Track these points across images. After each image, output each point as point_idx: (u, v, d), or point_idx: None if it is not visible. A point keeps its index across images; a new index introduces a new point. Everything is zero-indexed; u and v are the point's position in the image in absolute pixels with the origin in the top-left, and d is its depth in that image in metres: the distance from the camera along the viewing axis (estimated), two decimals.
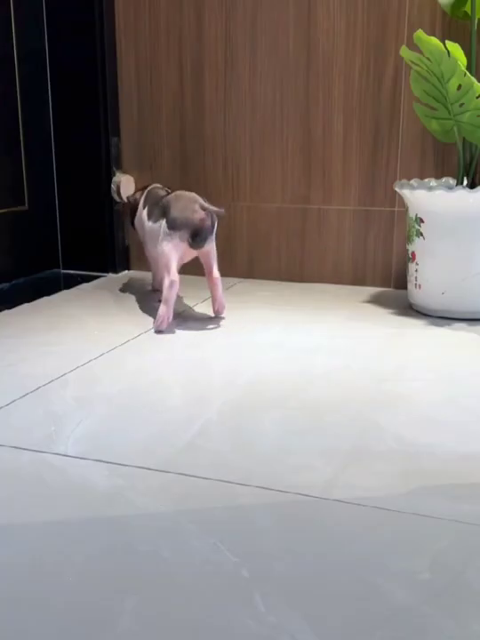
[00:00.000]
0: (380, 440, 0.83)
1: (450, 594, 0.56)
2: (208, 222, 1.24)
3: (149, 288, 1.53)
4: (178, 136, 1.65)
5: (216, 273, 1.28)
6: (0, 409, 0.92)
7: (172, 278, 1.22)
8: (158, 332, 1.23)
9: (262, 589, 0.57)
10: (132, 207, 1.49)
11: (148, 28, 1.62)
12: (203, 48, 1.59)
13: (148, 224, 1.35)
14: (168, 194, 1.34)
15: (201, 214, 1.23)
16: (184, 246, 1.23)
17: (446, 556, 0.61)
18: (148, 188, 1.45)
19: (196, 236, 1.23)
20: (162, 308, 1.23)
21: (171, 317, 1.24)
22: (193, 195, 1.26)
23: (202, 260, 1.29)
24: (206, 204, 1.24)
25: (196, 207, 1.23)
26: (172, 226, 1.22)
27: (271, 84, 1.56)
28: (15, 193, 1.64)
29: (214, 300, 1.31)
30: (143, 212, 1.40)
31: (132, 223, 1.50)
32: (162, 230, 1.24)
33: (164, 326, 1.23)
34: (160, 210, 1.28)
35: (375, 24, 1.46)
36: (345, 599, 0.56)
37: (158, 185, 1.47)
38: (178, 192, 1.29)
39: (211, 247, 1.26)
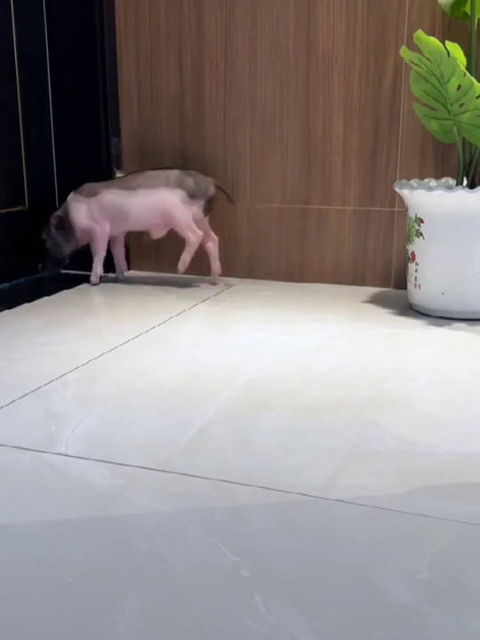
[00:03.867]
0: (380, 440, 0.83)
1: (449, 593, 0.56)
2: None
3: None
4: (178, 136, 1.65)
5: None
6: (0, 409, 0.92)
7: (198, 233, 1.53)
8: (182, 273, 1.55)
9: (262, 589, 0.57)
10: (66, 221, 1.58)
11: (148, 28, 1.62)
12: (203, 48, 1.59)
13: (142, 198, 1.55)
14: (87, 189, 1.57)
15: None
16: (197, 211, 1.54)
17: (446, 555, 0.61)
18: (97, 196, 1.57)
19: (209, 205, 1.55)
20: (187, 257, 1.53)
21: None
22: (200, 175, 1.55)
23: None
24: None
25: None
26: (193, 196, 1.52)
27: (271, 84, 1.56)
28: (15, 193, 1.64)
29: (215, 260, 1.59)
30: (117, 192, 1.56)
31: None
32: (178, 199, 1.52)
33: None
34: (150, 180, 1.53)
35: (375, 24, 1.46)
36: (345, 599, 0.56)
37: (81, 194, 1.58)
38: (188, 171, 1.55)
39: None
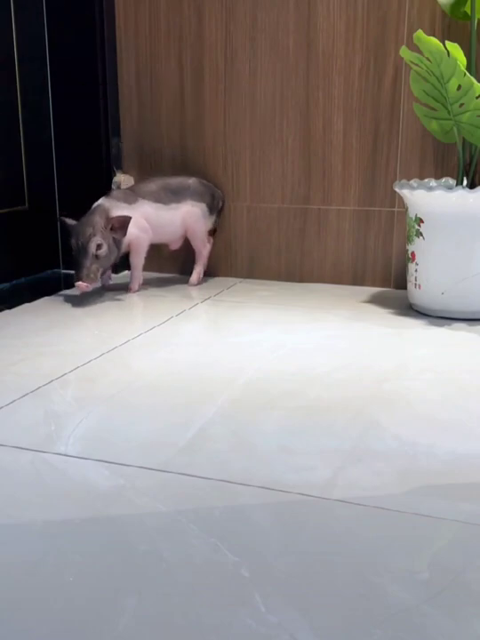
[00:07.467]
0: (380, 440, 0.83)
1: (449, 594, 0.56)
2: None
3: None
4: (178, 136, 1.65)
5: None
6: (0, 409, 0.92)
7: (208, 246, 1.60)
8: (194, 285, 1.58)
9: (262, 589, 0.57)
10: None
11: (148, 28, 1.62)
12: (203, 48, 1.59)
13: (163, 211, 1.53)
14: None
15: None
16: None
17: (446, 555, 0.61)
18: (136, 204, 1.50)
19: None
20: (200, 269, 1.59)
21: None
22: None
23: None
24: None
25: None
26: (211, 209, 1.58)
27: (271, 84, 1.56)
28: (15, 193, 1.64)
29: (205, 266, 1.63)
30: (154, 205, 1.52)
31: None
32: (201, 213, 1.56)
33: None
34: (176, 195, 1.53)
35: (375, 24, 1.46)
36: (345, 599, 0.56)
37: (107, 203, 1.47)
38: (202, 181, 1.58)
39: None
